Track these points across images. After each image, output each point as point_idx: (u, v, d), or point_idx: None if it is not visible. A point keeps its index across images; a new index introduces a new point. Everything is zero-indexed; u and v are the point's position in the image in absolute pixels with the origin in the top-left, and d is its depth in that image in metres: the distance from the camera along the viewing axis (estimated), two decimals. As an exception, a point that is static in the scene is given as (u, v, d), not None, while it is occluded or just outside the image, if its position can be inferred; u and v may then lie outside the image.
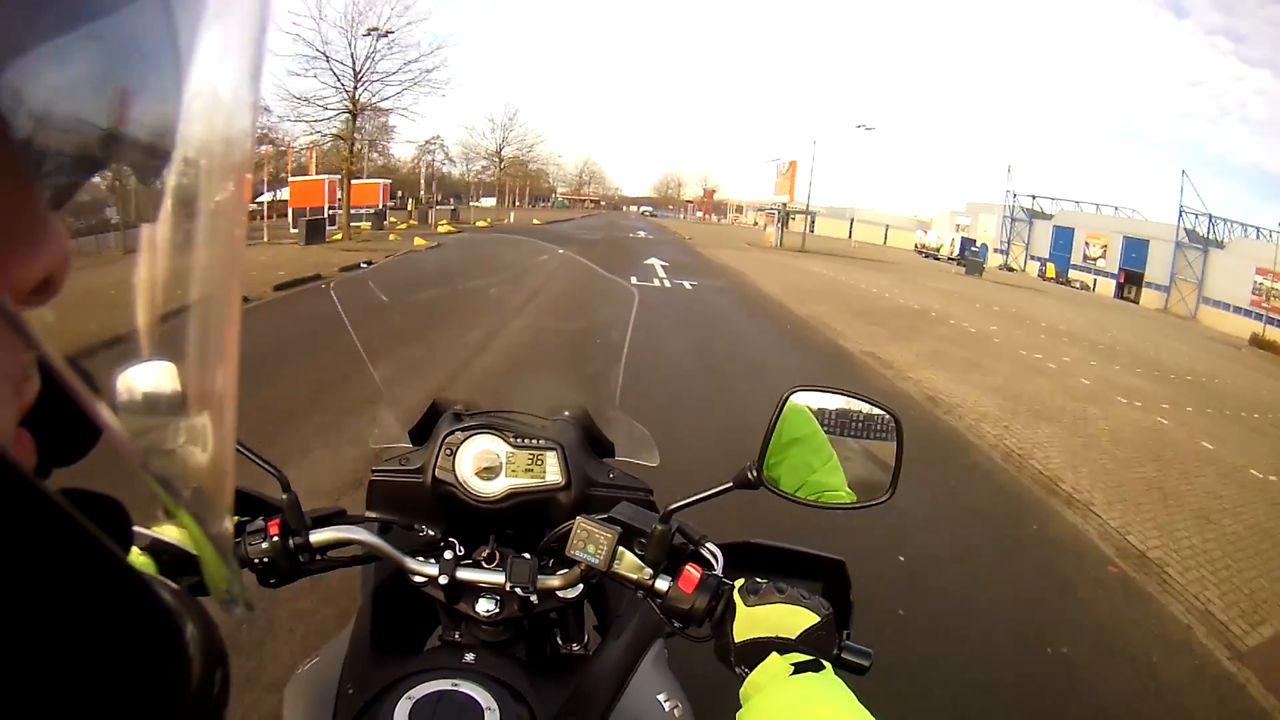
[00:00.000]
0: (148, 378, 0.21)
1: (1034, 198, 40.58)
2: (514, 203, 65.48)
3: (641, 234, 31.86)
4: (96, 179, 0.21)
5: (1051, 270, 33.90)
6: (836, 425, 0.72)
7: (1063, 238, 37.34)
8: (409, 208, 27.00)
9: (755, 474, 0.69)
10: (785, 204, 34.45)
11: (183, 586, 0.29)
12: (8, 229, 0.18)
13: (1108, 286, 31.82)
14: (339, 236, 16.57)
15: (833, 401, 0.72)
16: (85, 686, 0.18)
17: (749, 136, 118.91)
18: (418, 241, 14.68)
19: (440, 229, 22.67)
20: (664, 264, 15.97)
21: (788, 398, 0.70)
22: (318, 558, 0.81)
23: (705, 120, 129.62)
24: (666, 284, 12.47)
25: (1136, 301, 29.38)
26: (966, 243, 39.43)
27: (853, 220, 58.76)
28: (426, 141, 45.95)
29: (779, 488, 0.70)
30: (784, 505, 0.72)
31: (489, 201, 66.07)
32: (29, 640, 0.17)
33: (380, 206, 21.36)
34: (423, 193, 36.62)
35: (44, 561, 0.17)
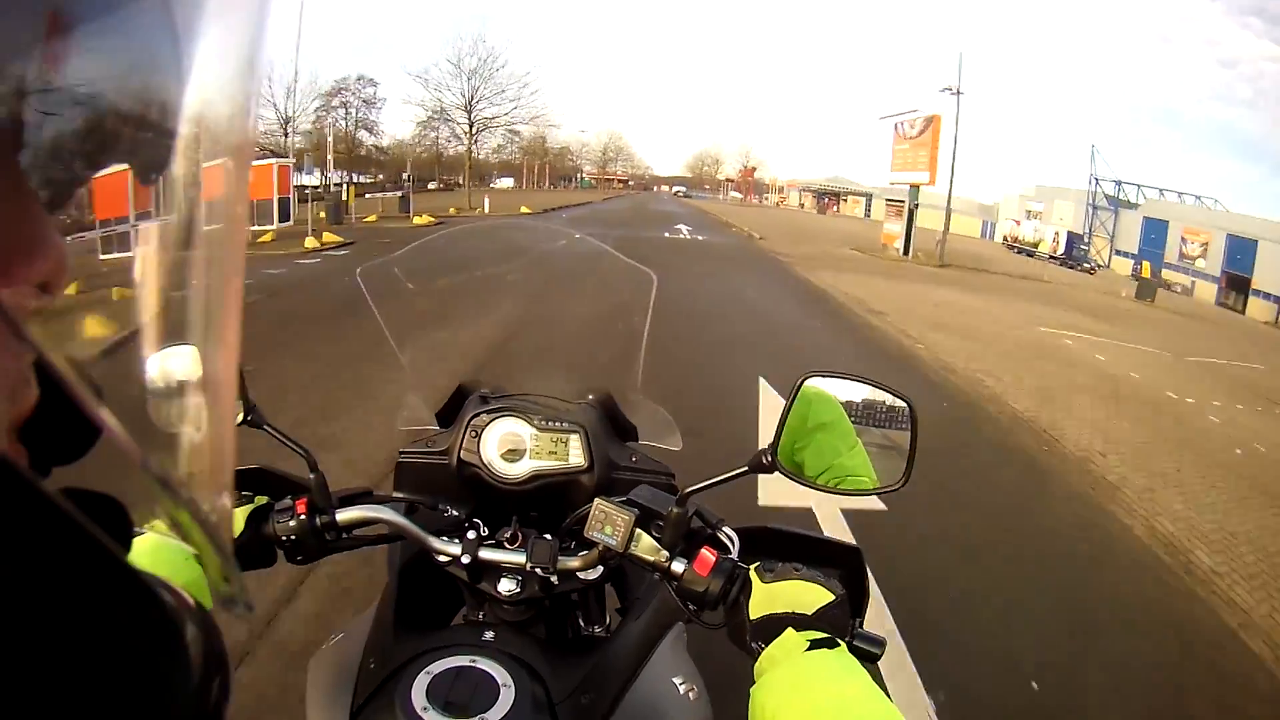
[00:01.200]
0: (147, 376, 0.21)
1: (1119, 184, 35.16)
2: (535, 183, 62.05)
3: (683, 232, 22.97)
4: (95, 179, 0.21)
5: (1147, 269, 29.09)
6: (855, 411, 0.76)
7: (1155, 231, 33.71)
8: (344, 195, 20.13)
9: (770, 458, 0.74)
10: (918, 187, 22.73)
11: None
12: (5, 233, 0.18)
13: (1207, 291, 28.97)
14: (267, 236, 13.83)
15: (848, 388, 0.76)
16: (85, 686, 0.19)
17: (791, 110, 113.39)
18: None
19: (367, 222, 18.90)
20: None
21: (802, 383, 0.74)
22: (344, 536, 0.86)
23: (743, 92, 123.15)
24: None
25: (1241, 311, 26.40)
26: (1073, 240, 33.67)
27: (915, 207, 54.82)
28: (430, 117, 42.41)
29: (798, 472, 0.74)
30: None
31: (506, 182, 62.04)
32: (29, 640, 0.17)
33: (284, 196, 15.65)
34: (408, 175, 32.79)
35: (44, 561, 0.17)
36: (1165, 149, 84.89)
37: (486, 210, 25.09)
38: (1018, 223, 37.10)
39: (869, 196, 59.92)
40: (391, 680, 0.73)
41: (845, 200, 62.65)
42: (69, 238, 0.21)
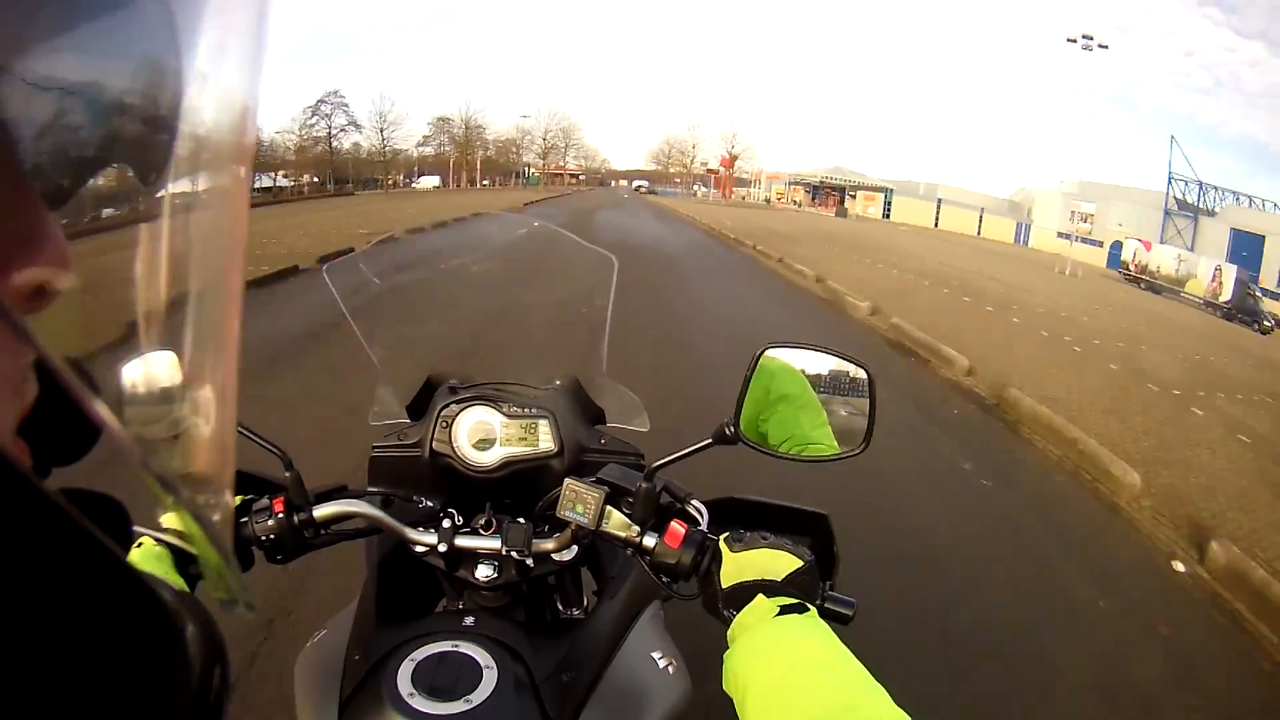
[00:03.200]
0: (148, 376, 0.22)
1: (1200, 185, 27.48)
2: (467, 182, 53.99)
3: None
4: (96, 178, 0.21)
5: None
6: (815, 381, 0.83)
7: (1246, 246, 28.31)
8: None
9: (732, 430, 0.81)
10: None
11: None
12: (5, 233, 0.19)
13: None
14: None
15: (806, 358, 0.83)
16: (85, 686, 0.19)
17: (779, 89, 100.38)
18: None
19: None
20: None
21: (760, 355, 0.82)
22: (322, 533, 0.93)
23: (720, 68, 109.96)
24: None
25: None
26: (1241, 285, 22.29)
27: (940, 202, 48.50)
28: (319, 102, 33.86)
29: (760, 443, 0.83)
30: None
31: (430, 181, 52.90)
32: (29, 640, 0.18)
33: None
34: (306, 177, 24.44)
35: (44, 561, 0.18)
36: (1242, 146, 73.76)
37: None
38: (1146, 245, 27.78)
39: (887, 191, 53.27)
40: (377, 670, 0.79)
41: (853, 197, 55.05)
42: (69, 237, 0.21)
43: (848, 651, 0.65)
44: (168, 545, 0.82)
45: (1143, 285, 24.91)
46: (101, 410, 0.18)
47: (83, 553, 0.19)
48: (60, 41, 0.19)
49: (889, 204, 50.46)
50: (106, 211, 0.23)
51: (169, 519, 0.76)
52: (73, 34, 0.19)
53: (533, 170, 65.57)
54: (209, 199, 0.22)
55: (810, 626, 0.69)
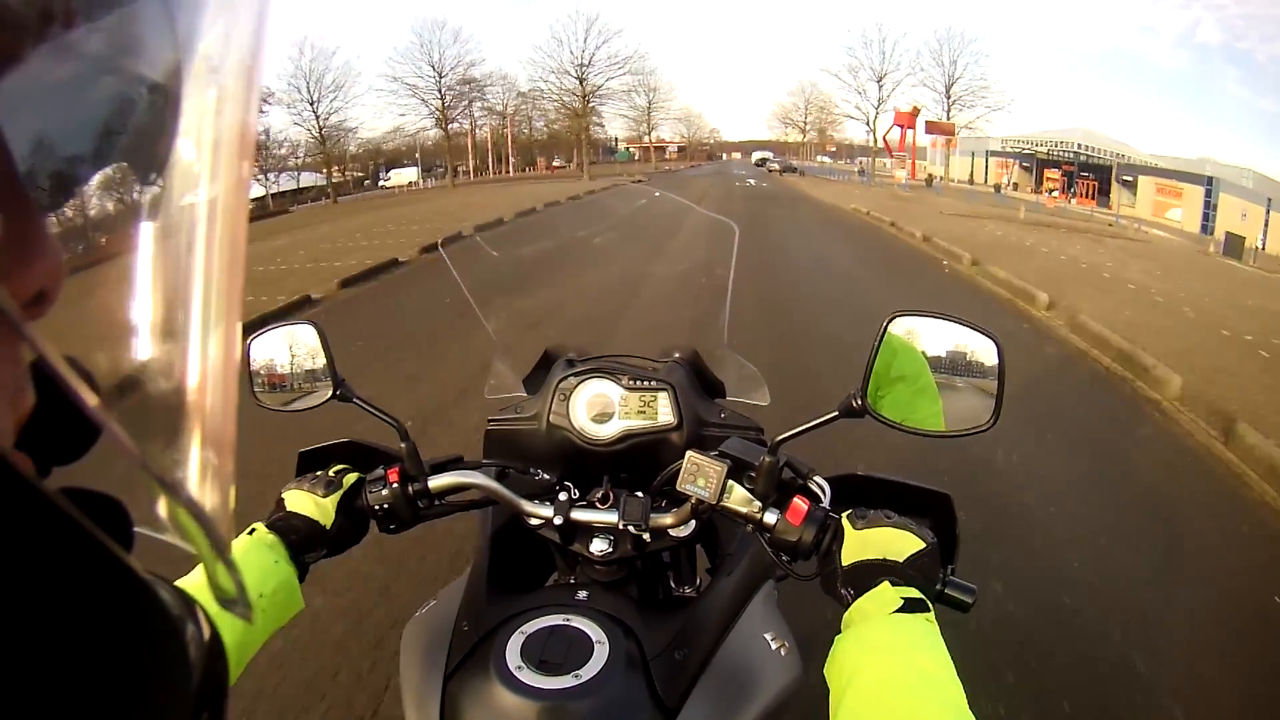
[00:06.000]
0: (148, 376, 0.22)
1: None
2: (508, 168, 44.60)
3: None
4: (95, 177, 0.22)
5: None
6: (943, 351, 0.81)
7: None
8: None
9: (860, 402, 0.80)
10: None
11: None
12: (4, 234, 0.20)
13: None
14: None
15: (935, 326, 0.81)
16: (85, 686, 0.20)
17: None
18: None
19: None
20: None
21: (888, 324, 0.81)
22: (436, 503, 0.96)
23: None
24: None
25: None
26: None
27: (1270, 202, 27.74)
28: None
29: (884, 415, 0.81)
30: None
31: (405, 175, 44.60)
32: (29, 640, 0.18)
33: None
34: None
35: (44, 561, 0.19)
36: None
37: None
38: None
39: (1210, 181, 30.24)
40: (486, 641, 0.80)
41: (1121, 186, 33.99)
42: (69, 237, 0.22)
43: (953, 670, 0.64)
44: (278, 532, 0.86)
45: None
46: (101, 410, 0.19)
47: (83, 553, 0.20)
48: (59, 41, 0.19)
49: (1211, 203, 28.22)
50: (106, 211, 0.23)
51: (168, 519, 0.83)
52: (72, 31, 0.19)
53: (625, 146, 53.62)
54: (209, 197, 0.22)
55: (926, 633, 0.68)
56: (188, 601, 0.28)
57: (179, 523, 0.22)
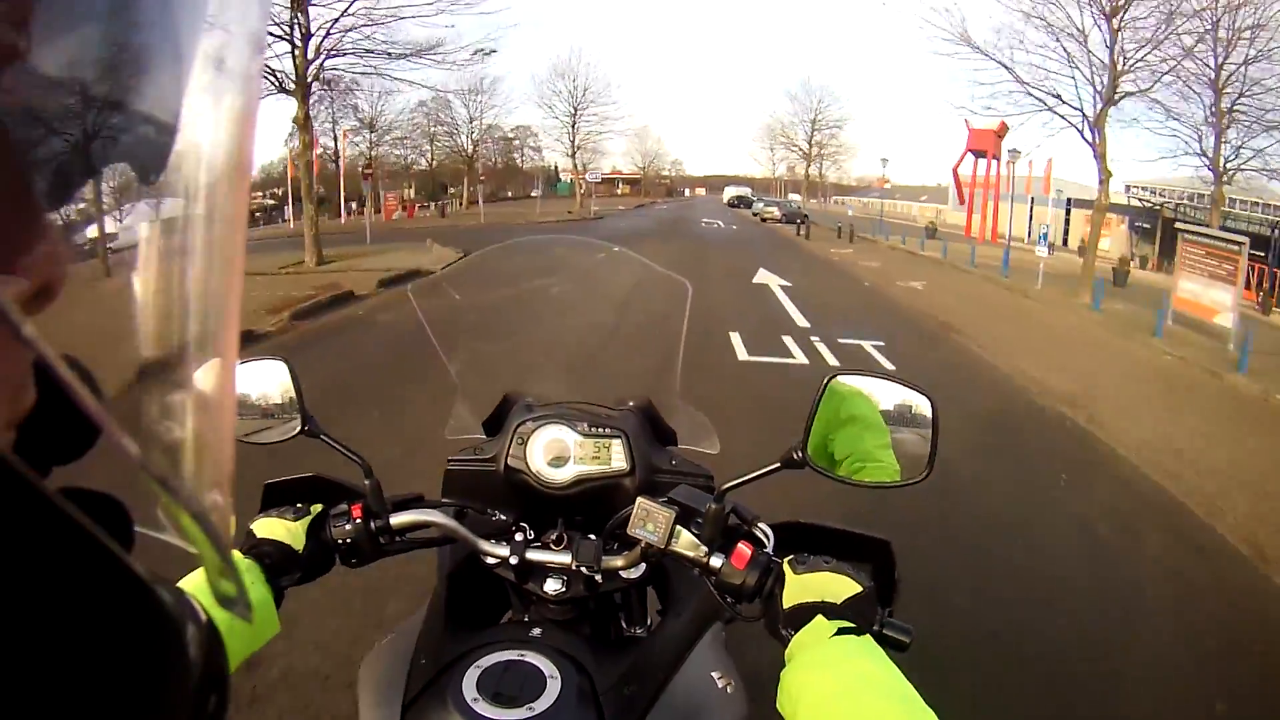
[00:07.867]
0: (148, 376, 0.22)
1: None
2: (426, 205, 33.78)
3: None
4: (94, 177, 0.22)
5: None
6: (879, 410, 0.87)
7: None
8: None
9: (800, 454, 0.85)
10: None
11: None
12: (4, 234, 0.20)
13: None
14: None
15: (871, 385, 0.87)
16: (84, 687, 0.20)
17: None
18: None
19: None
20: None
21: (828, 382, 0.86)
22: (397, 539, 0.98)
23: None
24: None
25: None
26: None
27: None
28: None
29: (824, 467, 0.87)
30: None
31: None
32: (28, 640, 0.18)
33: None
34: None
35: (44, 561, 0.19)
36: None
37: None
38: None
39: None
40: (443, 674, 0.82)
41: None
42: (68, 237, 0.22)
43: (900, 674, 0.68)
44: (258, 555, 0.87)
45: None
46: (100, 410, 0.19)
47: (83, 553, 0.20)
48: (59, 40, 0.19)
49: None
50: (108, 210, 0.23)
51: (168, 519, 0.82)
52: (73, 31, 0.19)
53: (563, 176, 44.68)
54: (209, 198, 0.22)
55: (865, 648, 0.72)
56: (188, 601, 0.29)
57: (179, 523, 0.22)
